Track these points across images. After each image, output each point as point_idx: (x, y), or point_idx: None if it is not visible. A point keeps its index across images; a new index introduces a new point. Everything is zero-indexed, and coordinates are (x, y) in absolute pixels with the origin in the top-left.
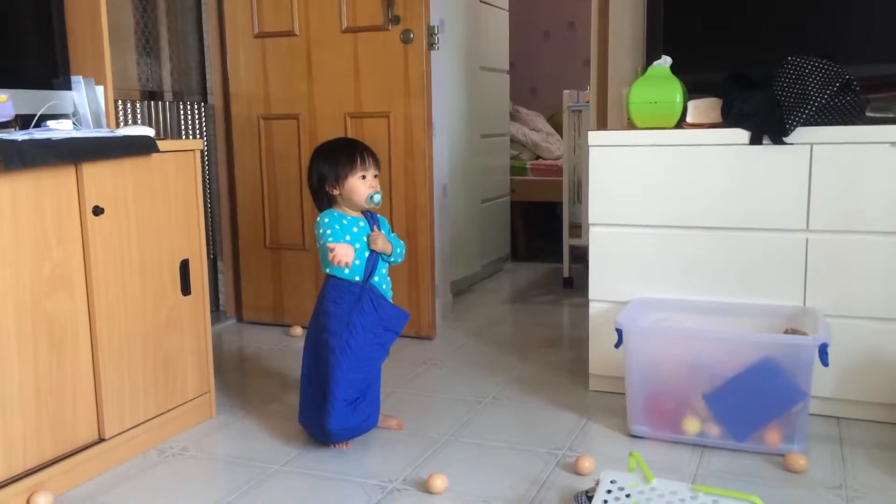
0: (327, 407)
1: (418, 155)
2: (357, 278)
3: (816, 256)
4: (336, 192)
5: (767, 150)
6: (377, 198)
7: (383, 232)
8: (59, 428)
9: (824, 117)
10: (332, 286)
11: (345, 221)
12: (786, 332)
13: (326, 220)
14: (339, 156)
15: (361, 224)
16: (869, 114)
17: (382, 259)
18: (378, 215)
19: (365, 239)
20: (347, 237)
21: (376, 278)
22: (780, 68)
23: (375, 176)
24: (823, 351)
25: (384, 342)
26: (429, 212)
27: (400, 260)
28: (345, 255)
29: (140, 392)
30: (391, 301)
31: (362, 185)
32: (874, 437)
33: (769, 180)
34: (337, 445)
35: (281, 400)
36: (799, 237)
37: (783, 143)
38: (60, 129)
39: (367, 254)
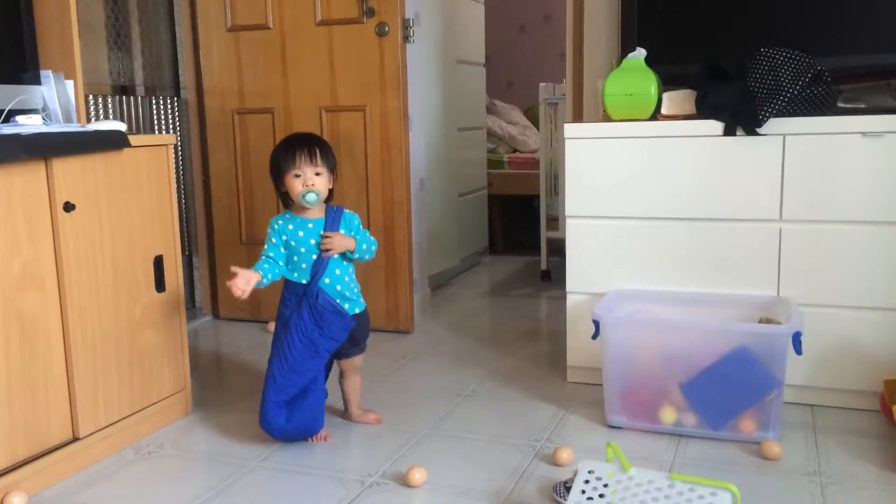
0: (260, 406)
1: (395, 148)
2: (304, 281)
3: (790, 246)
4: (284, 190)
5: (741, 142)
6: (309, 197)
7: (341, 231)
8: (32, 427)
9: (796, 108)
10: (284, 287)
11: (290, 227)
12: (760, 321)
13: (273, 227)
14: (282, 152)
15: (310, 226)
16: (840, 104)
17: (346, 257)
18: (346, 212)
19: (312, 242)
20: (293, 242)
21: (327, 280)
22: (753, 60)
23: (318, 174)
24: (797, 340)
25: (321, 348)
26: (406, 206)
27: (368, 257)
28: (238, 287)
29: (115, 390)
30: (348, 304)
31: (297, 184)
32: (847, 423)
33: (743, 171)
34: (315, 440)
35: (258, 396)
36: (772, 227)
37: (756, 133)
38: (30, 125)
39: (314, 256)
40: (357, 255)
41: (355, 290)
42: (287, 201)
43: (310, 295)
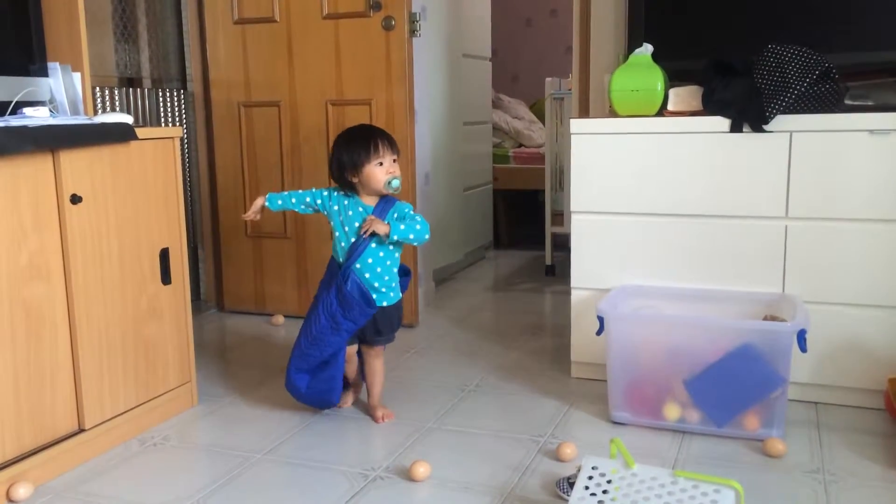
0: (286, 370)
1: (400, 142)
2: (341, 260)
3: (795, 243)
4: (355, 180)
5: (747, 138)
6: (395, 183)
7: (389, 219)
8: (38, 418)
9: (804, 105)
10: (328, 264)
11: (345, 202)
12: (765, 318)
13: (329, 190)
14: (355, 144)
15: (361, 210)
16: (848, 102)
17: (390, 242)
18: (398, 202)
19: (356, 225)
20: (341, 217)
21: (358, 265)
22: (760, 56)
23: (394, 161)
24: (802, 337)
25: (342, 328)
26: (411, 200)
27: (413, 236)
28: (249, 215)
29: (120, 382)
30: (376, 294)
31: (380, 172)
32: (851, 421)
33: (749, 168)
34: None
35: (263, 389)
36: (778, 224)
37: (763, 130)
38: (37, 117)
39: (353, 240)
40: (396, 237)
41: (389, 283)
42: (351, 190)
43: (341, 276)
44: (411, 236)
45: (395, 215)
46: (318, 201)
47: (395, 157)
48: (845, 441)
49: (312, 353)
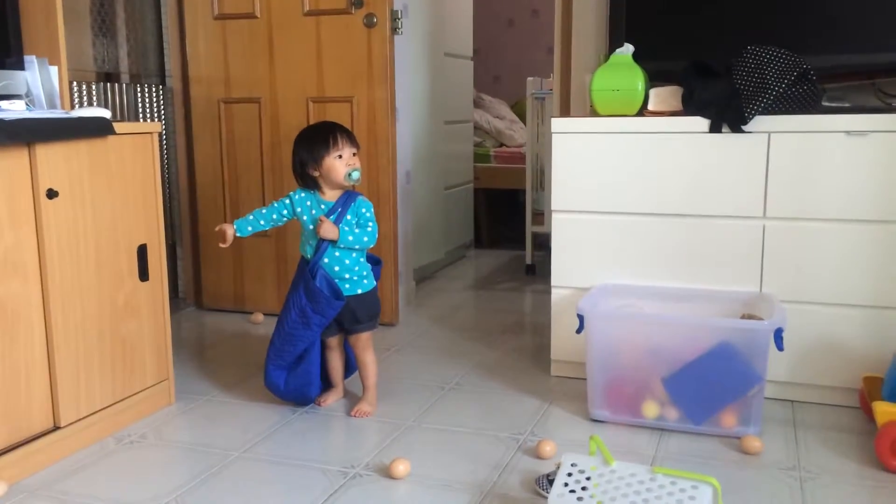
0: (264, 368)
1: (381, 141)
2: (308, 256)
3: (773, 243)
4: (316, 174)
5: (726, 138)
6: (355, 175)
7: (347, 216)
8: (12, 416)
9: (782, 106)
10: (299, 262)
11: (308, 203)
12: (743, 317)
13: (290, 196)
14: (315, 138)
15: (322, 207)
16: (825, 103)
17: (337, 245)
18: (360, 199)
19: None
20: (305, 217)
21: (326, 260)
22: (740, 57)
23: (354, 154)
24: (779, 336)
25: (312, 323)
26: (392, 198)
27: (359, 247)
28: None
29: (97, 379)
30: (348, 284)
31: (339, 164)
32: (827, 419)
33: (728, 168)
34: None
35: (241, 387)
36: (756, 224)
37: (742, 131)
38: (13, 110)
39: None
40: (343, 245)
41: (360, 272)
42: (314, 185)
43: (312, 269)
44: (357, 247)
45: (356, 220)
46: (285, 212)
47: (354, 150)
48: (821, 439)
49: (287, 349)
